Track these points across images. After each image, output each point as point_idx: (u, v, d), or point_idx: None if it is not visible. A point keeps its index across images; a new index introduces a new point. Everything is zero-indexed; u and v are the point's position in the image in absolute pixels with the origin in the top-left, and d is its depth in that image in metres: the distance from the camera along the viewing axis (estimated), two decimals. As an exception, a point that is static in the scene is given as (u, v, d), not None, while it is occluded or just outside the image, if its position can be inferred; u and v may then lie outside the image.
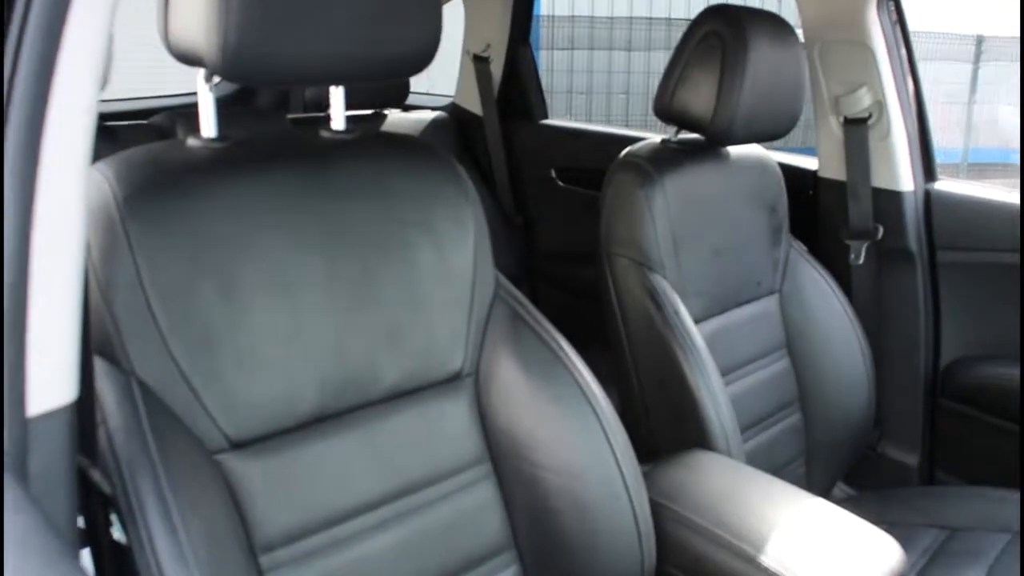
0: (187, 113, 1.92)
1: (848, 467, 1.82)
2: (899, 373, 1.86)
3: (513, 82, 2.51)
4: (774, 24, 1.49)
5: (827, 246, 1.87)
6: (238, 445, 0.87)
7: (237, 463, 0.87)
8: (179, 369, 0.83)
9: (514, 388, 1.08)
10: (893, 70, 1.73)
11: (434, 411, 1.04)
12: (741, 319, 1.64)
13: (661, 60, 8.37)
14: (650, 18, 8.32)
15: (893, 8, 1.74)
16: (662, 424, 1.48)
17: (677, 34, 1.59)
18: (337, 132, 1.03)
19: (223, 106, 0.93)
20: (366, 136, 1.04)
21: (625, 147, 1.58)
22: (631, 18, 8.33)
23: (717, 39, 1.45)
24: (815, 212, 1.92)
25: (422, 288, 1.02)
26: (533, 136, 2.54)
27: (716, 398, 1.42)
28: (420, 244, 1.02)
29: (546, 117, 2.59)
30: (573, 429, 1.08)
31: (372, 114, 2.42)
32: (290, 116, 2.19)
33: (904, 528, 1.53)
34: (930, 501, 1.66)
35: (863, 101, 1.76)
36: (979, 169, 8.52)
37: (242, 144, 0.95)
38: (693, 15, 1.56)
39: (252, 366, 0.88)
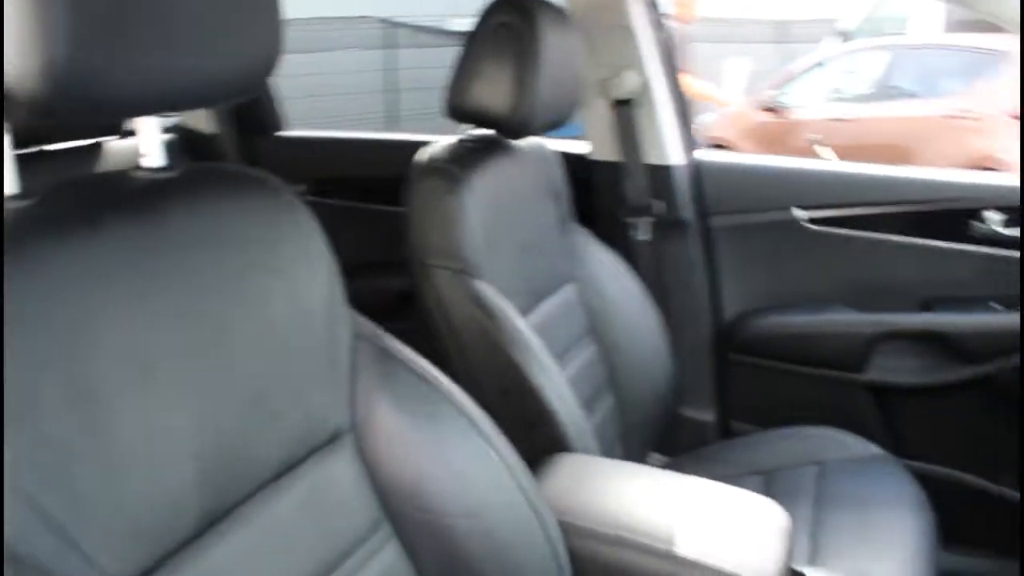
0: None
1: (658, 436, 1.88)
2: (688, 337, 1.95)
3: None
4: (555, 11, 1.47)
5: (606, 227, 1.90)
6: None
7: None
8: (40, 510, 0.63)
9: (398, 434, 0.96)
10: (656, 50, 1.79)
11: (322, 481, 0.90)
12: (550, 313, 1.61)
13: (319, 62, 8.20)
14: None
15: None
16: (512, 434, 1.42)
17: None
18: (155, 171, 0.85)
19: None
20: (191, 173, 0.87)
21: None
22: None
23: (508, 31, 1.41)
24: (589, 195, 1.95)
25: (284, 343, 0.88)
26: (272, 150, 2.36)
27: (564, 397, 1.39)
28: (275, 293, 0.88)
29: (280, 129, 2.42)
30: (470, 466, 0.99)
31: (90, 145, 2.11)
32: None
33: (728, 481, 1.59)
34: (739, 452, 1.75)
35: (630, 83, 1.80)
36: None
37: (52, 199, 0.75)
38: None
39: (123, 482, 0.70)
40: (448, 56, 1.50)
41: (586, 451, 1.38)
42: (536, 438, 1.37)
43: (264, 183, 0.93)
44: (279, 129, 2.41)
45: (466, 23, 1.51)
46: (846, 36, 9.13)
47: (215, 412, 0.78)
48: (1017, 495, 1.74)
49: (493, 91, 1.42)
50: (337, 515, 0.91)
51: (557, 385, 1.39)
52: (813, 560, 1.35)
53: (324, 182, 2.29)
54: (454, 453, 0.98)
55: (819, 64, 7.37)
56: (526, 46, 1.39)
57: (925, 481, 1.54)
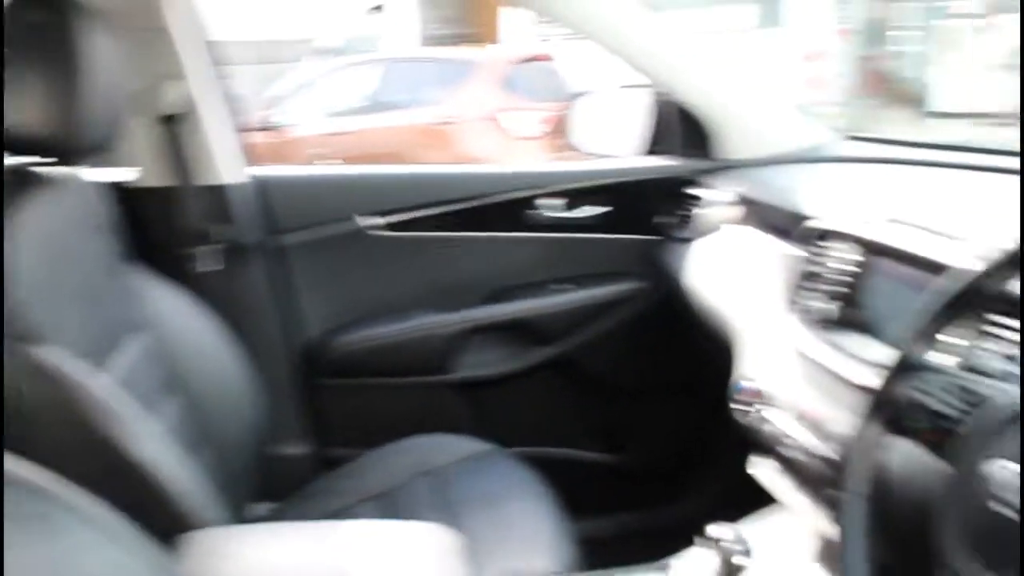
0: None
1: (259, 482, 1.71)
2: (271, 368, 1.79)
3: None
4: (90, 10, 1.23)
5: (164, 261, 1.67)
6: None
7: None
8: None
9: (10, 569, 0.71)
10: (203, 58, 1.61)
11: None
12: (123, 371, 1.36)
13: None
14: None
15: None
16: None
17: None
18: None
19: None
20: None
21: None
22: None
23: (40, 33, 1.14)
24: (139, 228, 1.69)
25: None
26: None
27: (173, 465, 1.17)
28: None
29: None
30: None
31: None
32: None
33: (342, 515, 1.49)
34: (347, 480, 1.65)
35: (174, 95, 1.59)
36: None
37: None
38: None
39: None
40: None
41: (212, 522, 1.18)
42: (151, 520, 1.14)
43: None
44: None
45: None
46: (331, 54, 9.42)
47: None
48: (604, 457, 1.90)
49: (30, 107, 1.14)
50: None
51: (163, 453, 1.17)
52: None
53: None
54: (85, 573, 0.76)
55: (307, 83, 7.52)
56: (65, 50, 1.14)
57: (534, 464, 1.59)
